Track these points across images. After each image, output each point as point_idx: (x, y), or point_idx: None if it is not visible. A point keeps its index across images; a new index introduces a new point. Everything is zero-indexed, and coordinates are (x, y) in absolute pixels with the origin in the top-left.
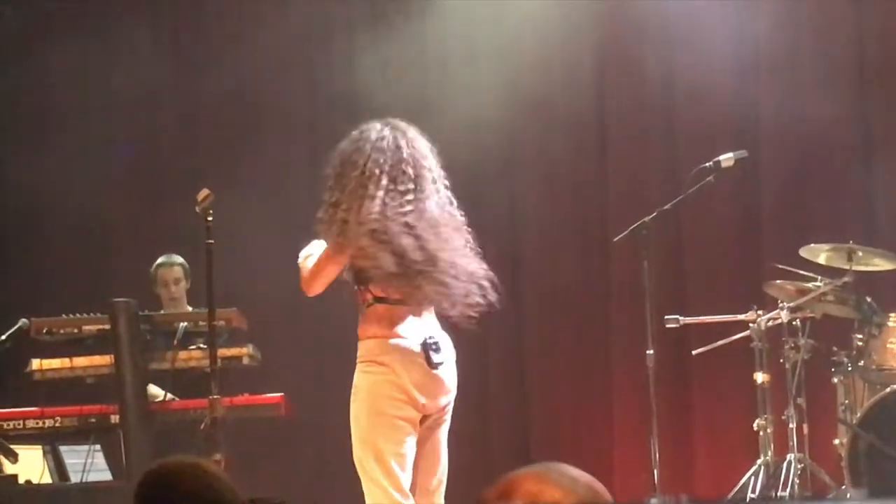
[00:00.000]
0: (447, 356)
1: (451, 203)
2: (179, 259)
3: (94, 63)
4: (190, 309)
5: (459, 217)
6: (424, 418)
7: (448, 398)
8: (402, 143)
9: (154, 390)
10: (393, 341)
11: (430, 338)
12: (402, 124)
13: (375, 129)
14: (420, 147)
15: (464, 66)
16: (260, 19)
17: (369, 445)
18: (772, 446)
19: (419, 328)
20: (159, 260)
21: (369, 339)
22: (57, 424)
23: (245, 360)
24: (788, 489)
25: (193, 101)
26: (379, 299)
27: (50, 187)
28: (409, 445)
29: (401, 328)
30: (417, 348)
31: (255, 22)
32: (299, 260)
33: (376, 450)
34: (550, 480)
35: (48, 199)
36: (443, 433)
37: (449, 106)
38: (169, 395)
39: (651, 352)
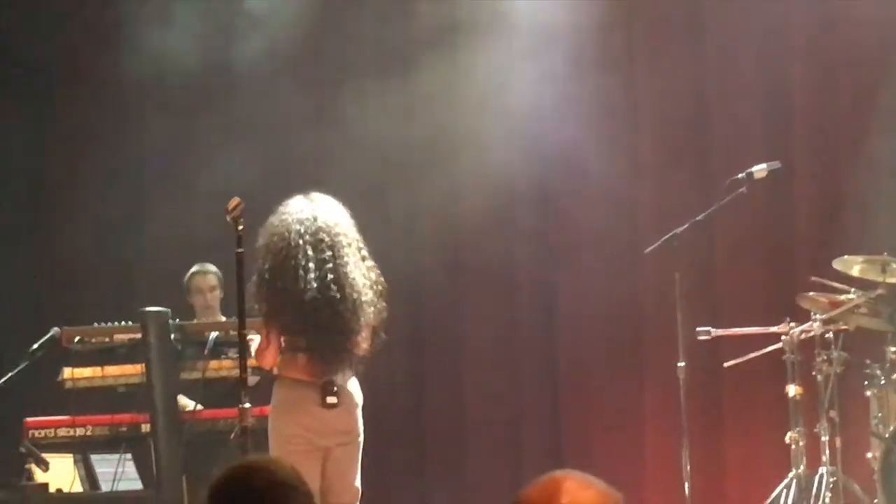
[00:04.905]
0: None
1: (364, 260)
2: (213, 268)
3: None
4: (222, 318)
5: (373, 273)
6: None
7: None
8: (319, 213)
9: (184, 401)
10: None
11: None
12: (320, 197)
13: (296, 204)
14: (335, 216)
15: (498, 78)
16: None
17: None
18: (804, 459)
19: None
20: (193, 269)
21: None
22: (88, 433)
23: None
24: (820, 503)
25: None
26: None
27: (82, 197)
28: None
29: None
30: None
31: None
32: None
33: None
34: (592, 482)
35: (81, 209)
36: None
37: (480, 120)
38: (199, 406)
39: (682, 364)
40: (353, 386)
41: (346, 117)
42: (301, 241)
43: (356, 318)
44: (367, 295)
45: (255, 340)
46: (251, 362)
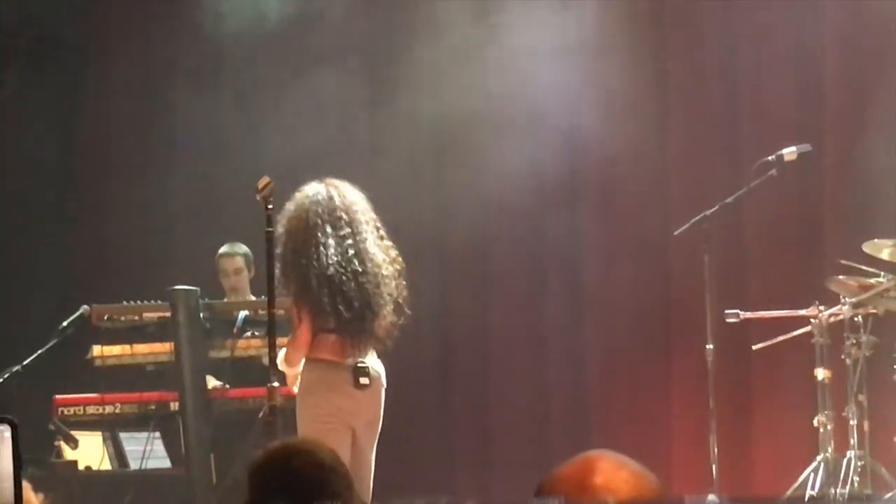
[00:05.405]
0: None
1: (383, 239)
2: (242, 249)
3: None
4: (252, 298)
5: (392, 252)
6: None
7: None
8: (334, 194)
9: (212, 383)
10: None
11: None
12: (335, 181)
13: (311, 187)
14: (350, 196)
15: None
16: None
17: None
18: (832, 443)
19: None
20: (222, 249)
21: None
22: (117, 411)
23: None
24: (848, 486)
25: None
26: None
27: (113, 174)
28: None
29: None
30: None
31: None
32: (280, 360)
33: None
34: (626, 462)
35: (111, 187)
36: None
37: (511, 108)
38: (227, 385)
39: (710, 346)
40: (379, 366)
41: (375, 104)
42: (319, 221)
43: (380, 292)
44: (389, 270)
45: (281, 350)
46: (281, 341)
